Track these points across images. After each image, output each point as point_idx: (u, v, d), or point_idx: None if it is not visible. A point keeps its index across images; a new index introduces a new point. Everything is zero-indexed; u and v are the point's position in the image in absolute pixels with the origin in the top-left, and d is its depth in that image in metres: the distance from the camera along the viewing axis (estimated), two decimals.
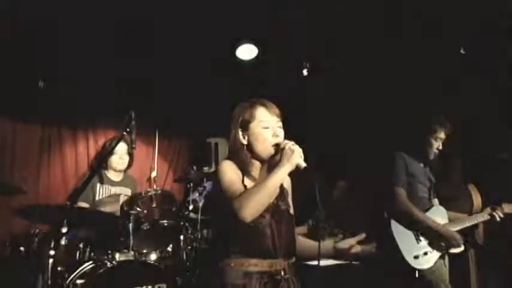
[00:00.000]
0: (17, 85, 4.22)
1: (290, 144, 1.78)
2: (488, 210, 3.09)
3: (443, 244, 2.90)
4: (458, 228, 3.01)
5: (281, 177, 1.74)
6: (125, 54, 4.20)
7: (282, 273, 1.83)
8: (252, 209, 1.66)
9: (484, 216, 3.08)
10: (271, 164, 1.87)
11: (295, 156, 1.74)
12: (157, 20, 3.87)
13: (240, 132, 1.89)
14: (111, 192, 3.91)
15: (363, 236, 1.96)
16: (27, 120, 4.40)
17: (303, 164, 1.75)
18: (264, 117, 1.87)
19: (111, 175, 3.96)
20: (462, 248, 3.00)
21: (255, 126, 1.87)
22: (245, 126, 1.88)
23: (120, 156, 3.93)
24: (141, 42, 4.10)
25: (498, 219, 3.05)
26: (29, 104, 4.34)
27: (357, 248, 1.94)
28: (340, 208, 4.58)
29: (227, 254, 1.80)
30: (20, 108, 4.33)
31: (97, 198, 3.84)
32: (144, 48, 4.19)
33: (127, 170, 4.10)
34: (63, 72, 4.32)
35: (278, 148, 1.82)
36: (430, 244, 2.89)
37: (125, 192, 3.96)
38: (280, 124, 1.90)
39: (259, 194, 1.69)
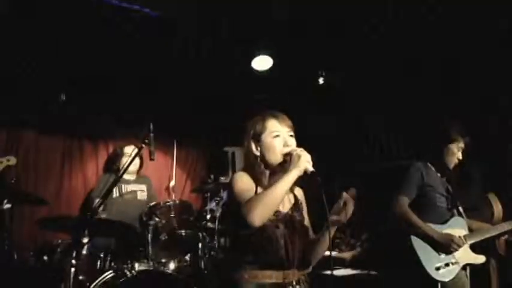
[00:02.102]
0: (40, 98, 4.36)
1: (298, 151, 1.79)
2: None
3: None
4: (481, 238, 2.97)
5: (289, 181, 1.74)
6: (144, 65, 4.28)
7: (296, 284, 1.83)
8: (260, 212, 1.67)
9: (510, 225, 3.02)
10: (281, 172, 1.87)
11: (302, 161, 1.74)
12: (174, 31, 3.94)
13: (253, 145, 1.91)
14: (128, 189, 3.99)
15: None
16: (49, 133, 4.53)
17: (310, 169, 1.75)
18: (274, 128, 1.89)
19: (126, 176, 4.02)
20: (484, 259, 2.96)
21: (266, 136, 1.88)
22: (257, 138, 1.90)
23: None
24: (160, 54, 4.19)
25: None
26: (51, 117, 4.46)
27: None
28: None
29: (241, 265, 1.82)
30: (42, 121, 4.46)
31: (114, 196, 3.95)
32: (163, 60, 4.27)
33: (139, 171, 4.20)
34: (83, 85, 4.43)
35: (288, 157, 1.82)
36: (458, 253, 2.83)
37: (141, 188, 4.05)
38: (292, 134, 1.91)
39: (267, 197, 1.70)
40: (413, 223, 2.83)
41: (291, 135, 1.90)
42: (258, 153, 1.89)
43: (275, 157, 1.86)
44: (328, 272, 3.53)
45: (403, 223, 2.86)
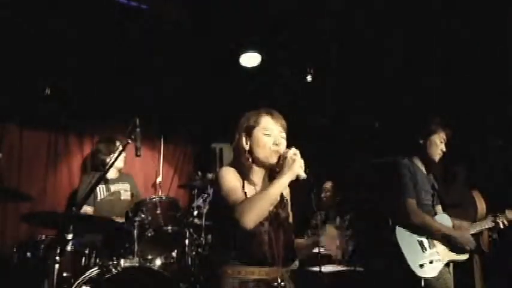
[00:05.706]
0: (24, 92, 4.27)
1: (292, 154, 1.80)
2: (491, 217, 3.08)
3: (458, 249, 2.89)
4: None
5: (282, 185, 1.76)
6: (130, 60, 4.25)
7: (279, 281, 1.84)
8: (253, 215, 1.68)
9: (487, 223, 3.07)
10: (272, 171, 1.89)
11: (296, 166, 1.76)
12: (162, 27, 3.92)
13: (244, 138, 1.92)
14: (111, 190, 3.97)
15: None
16: (34, 127, 4.45)
17: (303, 175, 1.77)
18: (267, 125, 1.90)
19: (108, 174, 3.97)
20: (467, 256, 3.00)
21: (257, 131, 1.90)
22: (249, 132, 1.91)
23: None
24: (146, 49, 4.15)
25: (502, 226, 3.04)
26: (36, 111, 4.39)
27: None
28: (328, 208, 4.65)
29: (225, 261, 1.82)
30: (27, 115, 4.38)
31: (99, 198, 3.92)
32: (150, 55, 4.24)
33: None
34: (69, 79, 4.36)
35: (281, 156, 1.84)
36: (442, 251, 2.87)
37: (125, 188, 4.02)
38: (284, 135, 1.92)
39: (261, 201, 1.71)
40: (432, 227, 2.86)
41: (283, 137, 1.91)
42: (247, 147, 1.90)
43: (264, 153, 1.87)
44: (316, 269, 3.57)
45: (424, 229, 2.86)
